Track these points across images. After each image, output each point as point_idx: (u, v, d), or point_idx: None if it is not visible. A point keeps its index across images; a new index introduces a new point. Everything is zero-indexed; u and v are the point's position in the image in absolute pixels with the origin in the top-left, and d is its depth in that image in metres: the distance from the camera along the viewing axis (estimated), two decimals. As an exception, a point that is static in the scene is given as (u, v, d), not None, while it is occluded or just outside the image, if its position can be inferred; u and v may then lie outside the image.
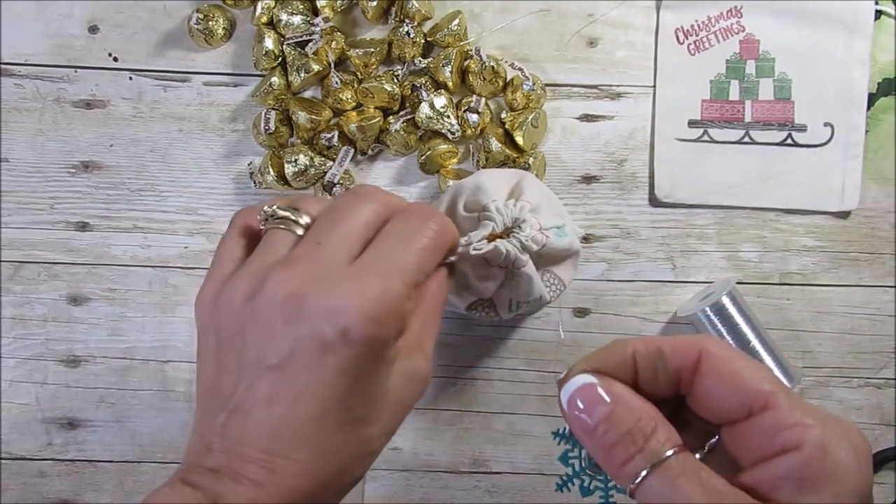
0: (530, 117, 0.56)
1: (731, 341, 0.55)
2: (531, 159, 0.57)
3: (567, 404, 0.29)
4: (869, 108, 0.58)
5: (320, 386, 0.30)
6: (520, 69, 0.56)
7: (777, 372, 0.55)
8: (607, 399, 0.28)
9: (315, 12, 0.57)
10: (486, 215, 0.47)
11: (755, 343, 0.55)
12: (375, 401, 0.31)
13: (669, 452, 0.27)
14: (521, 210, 0.47)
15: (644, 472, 0.27)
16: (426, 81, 0.57)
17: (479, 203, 0.48)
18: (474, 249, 0.43)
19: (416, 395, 0.34)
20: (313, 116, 0.56)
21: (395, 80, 0.57)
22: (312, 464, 0.30)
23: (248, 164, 0.59)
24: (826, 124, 0.58)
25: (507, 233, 0.47)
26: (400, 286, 0.31)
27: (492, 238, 0.46)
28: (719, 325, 0.55)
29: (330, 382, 0.30)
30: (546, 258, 0.49)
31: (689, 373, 0.29)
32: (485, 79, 0.56)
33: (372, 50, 0.57)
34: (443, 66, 0.56)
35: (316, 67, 0.56)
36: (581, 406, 0.28)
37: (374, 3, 0.57)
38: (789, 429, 0.27)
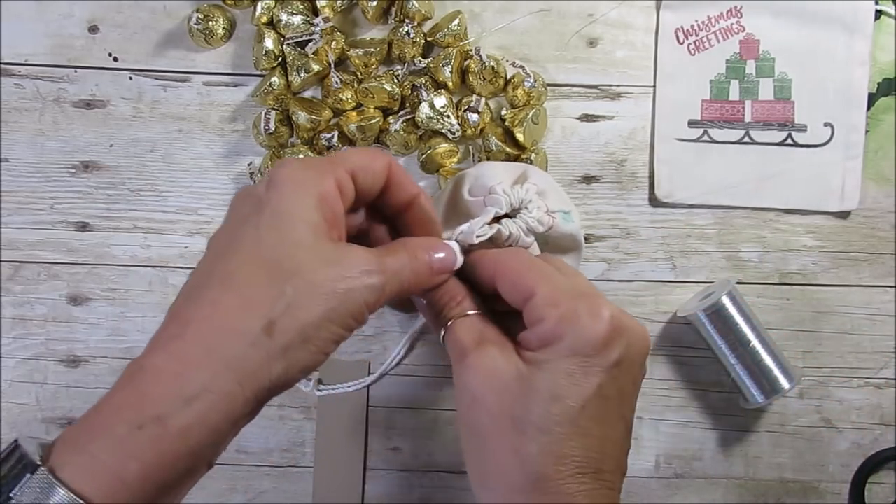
0: (531, 114, 0.56)
1: (731, 341, 0.55)
2: (532, 156, 0.57)
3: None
4: (869, 108, 0.58)
5: None
6: (521, 67, 0.56)
7: (777, 372, 0.55)
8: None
9: (315, 12, 0.57)
10: (492, 198, 0.46)
11: (755, 343, 0.55)
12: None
13: (470, 312, 0.39)
14: (528, 192, 0.47)
15: (450, 323, 0.38)
16: (426, 81, 0.57)
17: (485, 186, 0.47)
18: (477, 237, 0.43)
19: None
20: (313, 116, 0.56)
21: (395, 80, 0.57)
22: None
23: (248, 164, 0.59)
24: (826, 124, 0.58)
25: (513, 214, 0.47)
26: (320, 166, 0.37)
27: (496, 221, 0.45)
28: (719, 325, 0.55)
29: None
30: (552, 245, 0.49)
31: (492, 281, 0.40)
32: (485, 79, 0.57)
33: (372, 50, 0.57)
34: (443, 66, 0.56)
35: (316, 67, 0.56)
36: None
37: (374, 3, 0.57)
38: (540, 308, 0.36)
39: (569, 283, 0.38)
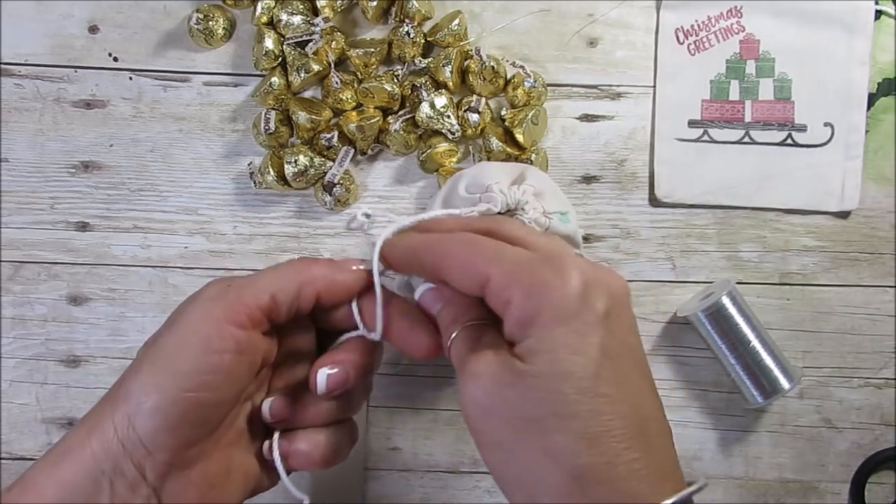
0: (530, 114, 0.56)
1: (731, 341, 0.55)
2: (532, 156, 0.57)
3: (420, 298, 0.40)
4: (869, 108, 0.58)
5: None
6: (521, 67, 0.56)
7: (777, 372, 0.55)
8: (440, 302, 0.39)
9: (315, 12, 0.57)
10: (487, 196, 0.46)
11: (755, 343, 0.55)
12: None
13: (469, 323, 0.37)
14: (525, 193, 0.47)
15: (454, 334, 0.37)
16: (426, 81, 0.57)
17: (482, 185, 0.47)
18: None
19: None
20: (313, 116, 0.56)
21: (395, 80, 0.57)
22: None
23: (248, 164, 0.59)
24: (826, 124, 0.58)
25: (508, 215, 0.47)
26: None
27: None
28: (719, 325, 0.55)
29: None
30: None
31: (438, 275, 0.38)
32: (485, 78, 0.57)
33: (372, 50, 0.57)
34: (443, 66, 0.56)
35: (316, 67, 0.56)
36: (428, 301, 0.40)
37: (374, 3, 0.57)
38: (501, 291, 0.34)
39: (523, 254, 0.34)
